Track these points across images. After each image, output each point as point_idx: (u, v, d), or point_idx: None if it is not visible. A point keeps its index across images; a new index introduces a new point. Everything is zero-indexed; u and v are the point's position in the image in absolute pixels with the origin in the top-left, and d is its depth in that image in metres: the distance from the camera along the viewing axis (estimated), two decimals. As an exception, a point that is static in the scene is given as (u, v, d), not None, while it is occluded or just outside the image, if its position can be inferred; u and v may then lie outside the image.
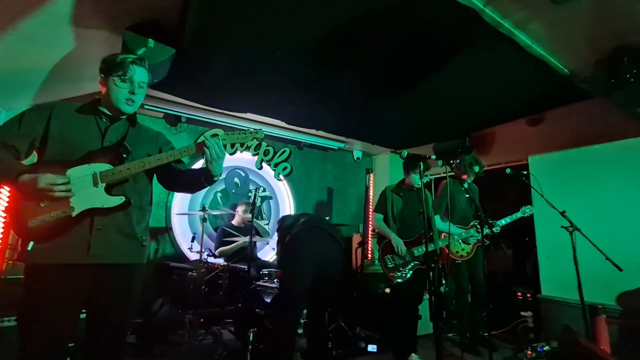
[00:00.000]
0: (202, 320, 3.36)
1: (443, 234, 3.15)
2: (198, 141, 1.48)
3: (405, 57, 2.69)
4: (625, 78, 2.40)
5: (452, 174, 3.54)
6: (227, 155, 4.88)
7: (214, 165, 1.48)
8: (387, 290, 2.87)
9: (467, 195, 3.41)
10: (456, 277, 3.48)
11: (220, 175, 1.57)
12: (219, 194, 4.66)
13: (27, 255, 1.29)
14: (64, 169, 1.32)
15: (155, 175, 1.61)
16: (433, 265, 2.00)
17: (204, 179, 1.54)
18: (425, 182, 2.33)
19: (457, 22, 2.24)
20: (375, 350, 3.15)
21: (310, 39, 2.45)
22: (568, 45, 2.56)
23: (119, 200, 1.39)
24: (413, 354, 2.82)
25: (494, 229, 3.10)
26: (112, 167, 1.39)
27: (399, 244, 2.90)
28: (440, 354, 1.87)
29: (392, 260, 2.89)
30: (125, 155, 1.44)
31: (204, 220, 3.33)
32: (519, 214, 3.24)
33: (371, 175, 5.98)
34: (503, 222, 3.24)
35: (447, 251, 3.43)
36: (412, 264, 2.89)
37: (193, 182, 1.59)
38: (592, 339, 2.17)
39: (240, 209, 4.01)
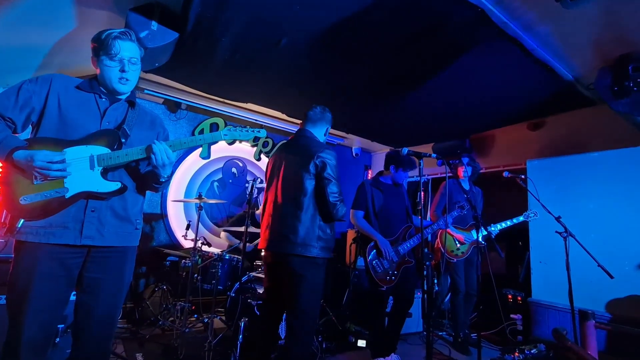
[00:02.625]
0: (193, 307, 3.36)
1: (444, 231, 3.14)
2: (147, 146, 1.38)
3: (410, 55, 2.67)
4: (629, 86, 2.40)
5: (451, 174, 3.54)
6: (226, 144, 4.80)
7: (159, 170, 1.42)
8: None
9: (466, 196, 3.41)
10: (452, 277, 3.50)
11: (171, 177, 1.52)
12: (215, 183, 4.64)
13: (17, 232, 1.27)
14: (60, 148, 1.30)
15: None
16: (427, 263, 1.97)
17: (153, 182, 1.48)
18: (423, 181, 2.27)
19: (464, 22, 2.22)
20: (364, 346, 3.17)
21: (314, 31, 2.42)
22: (574, 50, 2.55)
23: (114, 186, 1.37)
24: (393, 354, 2.80)
25: (492, 232, 3.09)
26: (110, 151, 1.36)
27: (386, 247, 2.72)
28: (431, 352, 1.88)
29: (381, 265, 2.74)
30: (124, 140, 1.41)
31: (199, 208, 3.32)
32: (520, 218, 3.22)
33: (369, 171, 6.00)
34: (499, 226, 3.25)
35: (441, 250, 3.44)
36: (398, 263, 2.77)
37: (145, 184, 1.53)
38: (581, 343, 2.19)
39: None
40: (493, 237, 3.16)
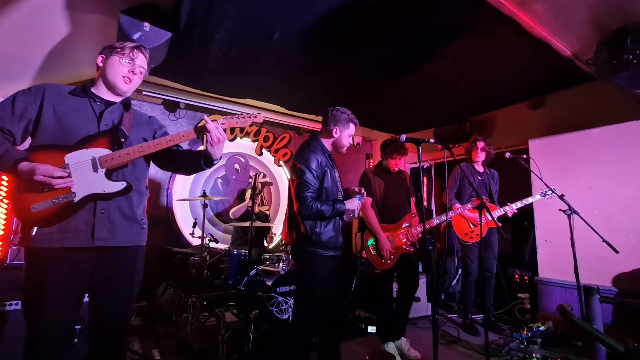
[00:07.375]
0: (204, 302, 3.43)
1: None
2: (199, 125, 1.48)
3: (405, 40, 2.64)
4: (627, 59, 2.36)
5: (463, 156, 3.53)
6: (227, 141, 4.84)
7: (214, 149, 1.49)
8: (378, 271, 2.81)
9: (480, 179, 3.41)
10: (464, 260, 3.51)
11: (220, 159, 1.58)
12: (219, 180, 4.67)
13: (31, 239, 1.30)
14: (61, 154, 1.32)
15: (150, 158, 1.62)
16: (430, 247, 1.99)
17: (203, 161, 1.54)
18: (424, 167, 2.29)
19: (458, 2, 2.19)
20: (374, 332, 3.23)
21: (307, 23, 2.41)
22: (570, 26, 2.51)
23: (120, 185, 1.40)
24: (402, 338, 2.85)
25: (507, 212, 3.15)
26: (111, 151, 1.39)
27: (386, 246, 2.76)
28: (437, 334, 1.92)
29: (376, 248, 2.81)
30: (123, 140, 1.45)
31: (204, 206, 3.35)
32: (538, 196, 3.12)
33: (371, 160, 5.99)
34: (514, 205, 3.20)
35: (447, 234, 3.45)
36: (396, 249, 2.81)
37: (191, 164, 1.60)
38: (587, 318, 2.21)
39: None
40: (510, 216, 3.18)
